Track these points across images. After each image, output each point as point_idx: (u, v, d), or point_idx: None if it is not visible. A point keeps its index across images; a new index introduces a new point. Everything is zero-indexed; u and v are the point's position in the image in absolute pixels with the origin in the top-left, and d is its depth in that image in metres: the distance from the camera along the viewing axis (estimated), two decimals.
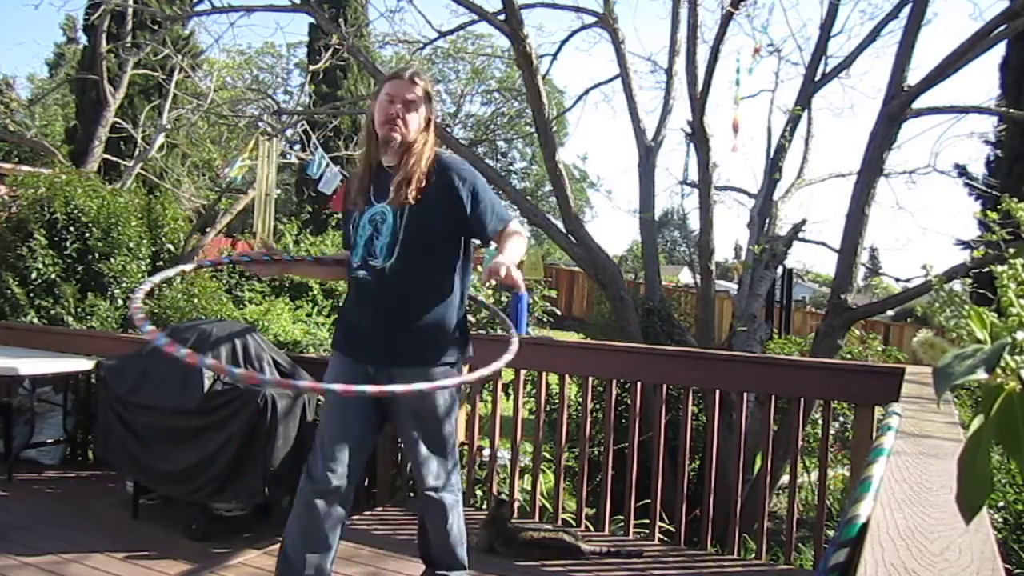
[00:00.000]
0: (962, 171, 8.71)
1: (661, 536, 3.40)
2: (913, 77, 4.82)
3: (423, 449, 2.37)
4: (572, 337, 8.55)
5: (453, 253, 2.30)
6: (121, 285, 6.16)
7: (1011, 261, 0.76)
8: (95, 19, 9.13)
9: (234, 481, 3.26)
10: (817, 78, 6.01)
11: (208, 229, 8.69)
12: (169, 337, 3.61)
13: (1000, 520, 3.26)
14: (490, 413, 3.93)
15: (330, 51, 8.75)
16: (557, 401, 4.50)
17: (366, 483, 3.86)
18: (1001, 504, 3.30)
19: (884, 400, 2.49)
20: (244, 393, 3.28)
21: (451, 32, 6.85)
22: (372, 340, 2.29)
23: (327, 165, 6.65)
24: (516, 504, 3.56)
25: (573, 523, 3.54)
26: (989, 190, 7.23)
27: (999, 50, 8.93)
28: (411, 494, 3.69)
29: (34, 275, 5.77)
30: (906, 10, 5.05)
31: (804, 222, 5.98)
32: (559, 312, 7.06)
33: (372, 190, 2.31)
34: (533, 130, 6.53)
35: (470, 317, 5.52)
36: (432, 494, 2.42)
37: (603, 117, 48.39)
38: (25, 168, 9.17)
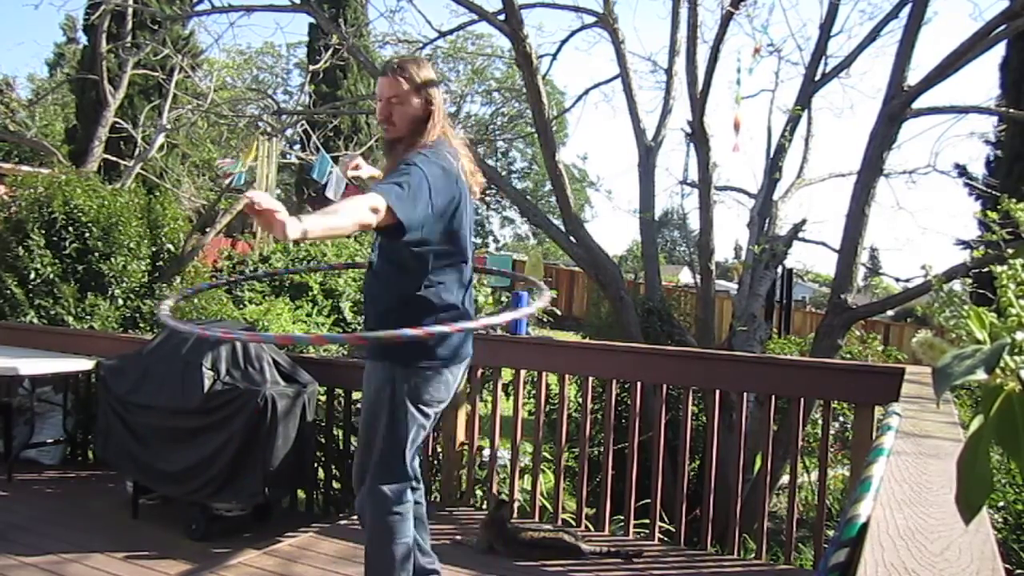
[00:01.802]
0: (962, 171, 8.70)
1: (661, 536, 3.40)
2: (913, 77, 4.82)
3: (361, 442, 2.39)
4: (572, 337, 8.55)
5: (416, 256, 2.19)
6: (121, 285, 6.15)
7: (1011, 261, 0.76)
8: (95, 19, 9.12)
9: (234, 481, 3.26)
10: (817, 78, 6.00)
11: (208, 229, 8.67)
12: (169, 337, 3.63)
13: (1000, 520, 3.26)
14: (490, 413, 3.93)
15: (330, 51, 8.75)
16: (557, 401, 4.50)
17: None
18: (1001, 504, 3.30)
19: (884, 400, 2.49)
20: (244, 393, 3.28)
21: (451, 32, 6.85)
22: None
23: (331, 169, 6.65)
24: (516, 504, 3.56)
25: (573, 523, 3.54)
26: (989, 190, 7.22)
27: (999, 50, 8.92)
28: None
29: (32, 275, 5.76)
30: (906, 10, 5.05)
31: (804, 222, 5.98)
32: (559, 312, 7.06)
33: None
34: (533, 130, 6.53)
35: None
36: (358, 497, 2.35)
37: (603, 117, 48.32)
38: (25, 168, 9.17)
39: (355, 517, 3.43)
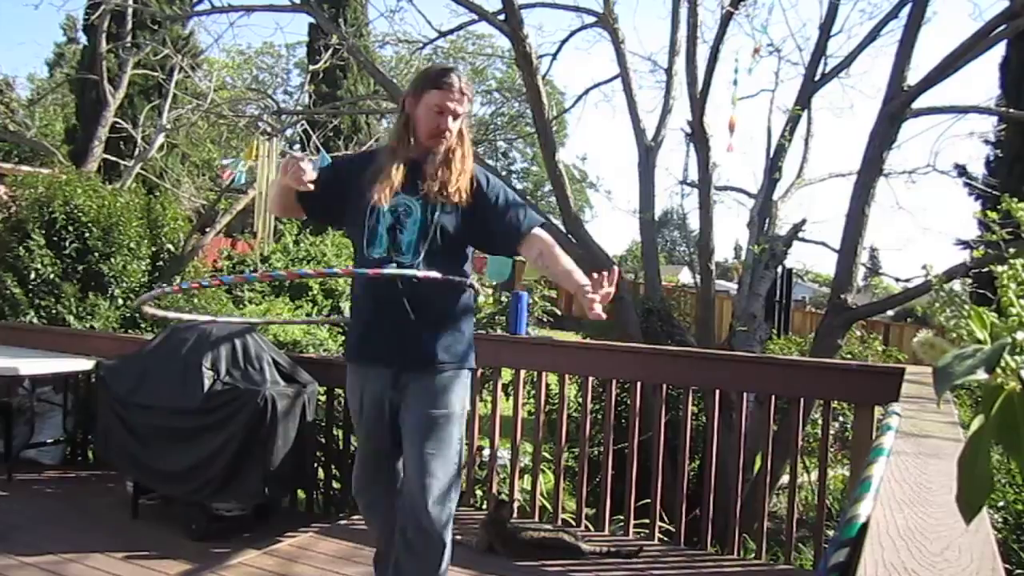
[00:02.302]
0: (962, 171, 8.70)
1: (661, 536, 3.40)
2: (913, 77, 4.83)
3: (430, 463, 2.09)
4: (572, 337, 8.55)
5: (468, 257, 2.30)
6: (121, 285, 6.15)
7: (1011, 261, 0.76)
8: (95, 19, 9.12)
9: (234, 481, 3.26)
10: (817, 78, 6.00)
11: (208, 229, 8.69)
12: (169, 337, 3.63)
13: (1000, 520, 3.25)
14: (490, 413, 3.94)
15: (330, 51, 8.75)
16: (557, 401, 4.50)
17: None
18: (1001, 504, 3.30)
19: (884, 400, 2.48)
20: (244, 393, 3.28)
21: (451, 32, 6.85)
22: (391, 339, 2.17)
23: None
24: (516, 504, 3.56)
25: (573, 523, 3.54)
26: (989, 190, 7.22)
27: (999, 50, 8.92)
28: None
29: (32, 275, 5.77)
30: (906, 10, 5.05)
31: (804, 222, 5.98)
32: (559, 312, 7.05)
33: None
34: (533, 130, 6.53)
35: None
36: (431, 525, 2.08)
37: (603, 117, 48.22)
38: (25, 168, 9.17)
39: (355, 517, 3.44)
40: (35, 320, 5.69)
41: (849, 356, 5.89)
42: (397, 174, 2.18)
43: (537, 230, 2.22)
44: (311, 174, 2.08)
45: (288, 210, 2.31)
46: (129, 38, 10.35)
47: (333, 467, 4.05)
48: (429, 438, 2.11)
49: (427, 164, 2.20)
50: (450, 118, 2.18)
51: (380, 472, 2.31)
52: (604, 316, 1.98)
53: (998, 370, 0.67)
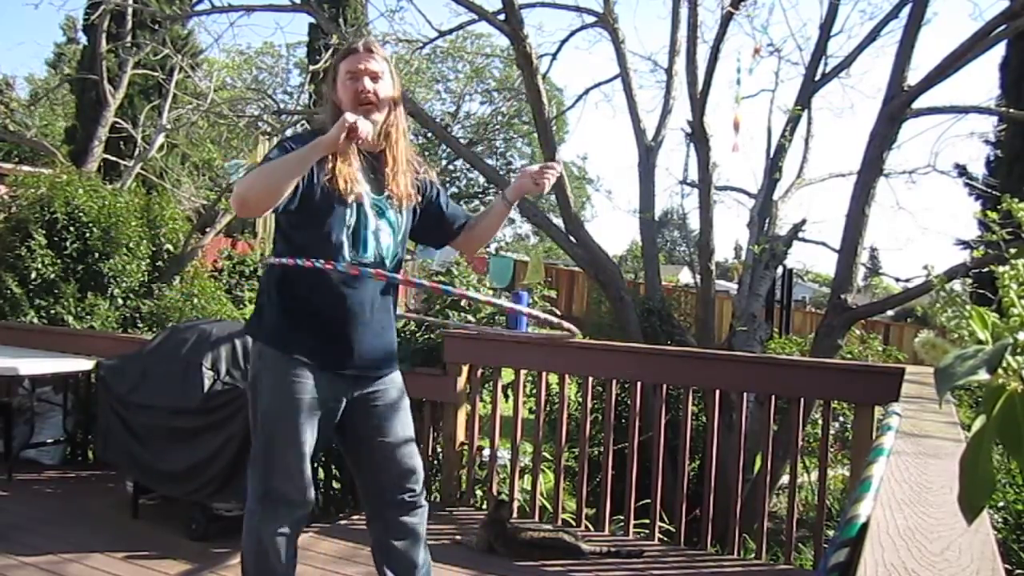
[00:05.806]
0: (962, 171, 8.71)
1: (661, 536, 3.40)
2: (913, 77, 4.82)
3: (412, 448, 2.25)
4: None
5: None
6: (121, 285, 6.15)
7: (1012, 261, 0.76)
8: (95, 19, 9.09)
9: (234, 481, 3.26)
10: (817, 78, 6.00)
11: (208, 229, 8.67)
12: (169, 337, 3.63)
13: (1000, 520, 3.25)
14: (490, 413, 3.94)
15: (330, 51, 8.74)
16: (557, 401, 4.50)
17: None
18: (1001, 504, 3.30)
19: (884, 400, 2.49)
20: (244, 393, 3.28)
21: (451, 32, 6.85)
22: (358, 342, 2.12)
23: None
24: (516, 504, 3.56)
25: (573, 523, 3.54)
26: (989, 190, 7.22)
27: (999, 50, 8.93)
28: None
29: (33, 275, 5.76)
30: (906, 10, 5.04)
31: (804, 222, 5.97)
32: (559, 312, 7.06)
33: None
34: (533, 131, 6.54)
35: (470, 317, 5.52)
36: (422, 503, 2.28)
37: (603, 117, 48.29)
38: (25, 168, 9.16)
39: (355, 517, 3.45)
40: (35, 320, 5.69)
41: (849, 356, 5.89)
42: (357, 171, 2.08)
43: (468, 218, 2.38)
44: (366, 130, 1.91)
45: (276, 197, 1.90)
46: (129, 38, 10.33)
47: (333, 467, 4.05)
48: (406, 430, 2.26)
49: (381, 162, 2.14)
50: (367, 79, 2.05)
51: (309, 475, 2.17)
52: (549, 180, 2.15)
53: (1000, 371, 0.67)
